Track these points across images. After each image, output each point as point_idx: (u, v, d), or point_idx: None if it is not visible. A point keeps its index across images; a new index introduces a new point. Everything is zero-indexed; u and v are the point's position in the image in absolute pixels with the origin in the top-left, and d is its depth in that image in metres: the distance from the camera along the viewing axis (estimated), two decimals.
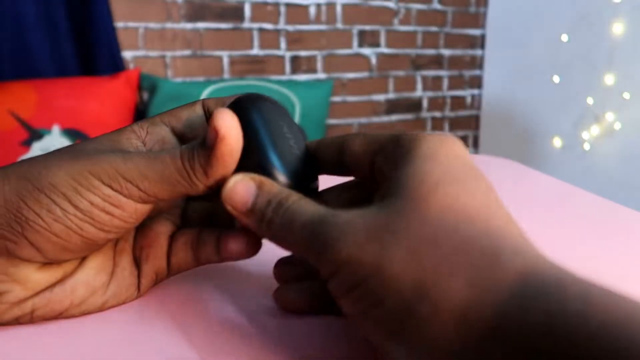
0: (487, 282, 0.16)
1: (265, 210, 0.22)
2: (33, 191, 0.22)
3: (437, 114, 2.17)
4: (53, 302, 0.24)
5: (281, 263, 0.27)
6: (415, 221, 0.18)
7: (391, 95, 2.04)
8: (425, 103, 2.13)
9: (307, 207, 0.21)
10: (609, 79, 1.75)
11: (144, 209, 0.23)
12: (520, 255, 0.17)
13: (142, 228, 0.26)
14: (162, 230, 0.26)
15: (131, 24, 1.59)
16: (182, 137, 0.27)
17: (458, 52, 2.15)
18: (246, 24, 1.73)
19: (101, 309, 0.25)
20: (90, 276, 0.24)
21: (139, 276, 0.26)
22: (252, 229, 0.23)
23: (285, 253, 0.34)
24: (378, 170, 0.23)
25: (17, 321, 0.24)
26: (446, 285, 0.17)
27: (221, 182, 0.23)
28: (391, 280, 0.17)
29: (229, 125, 0.22)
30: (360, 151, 0.24)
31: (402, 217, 0.18)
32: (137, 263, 0.26)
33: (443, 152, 0.21)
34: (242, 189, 0.23)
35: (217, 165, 0.22)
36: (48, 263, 0.23)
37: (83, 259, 0.25)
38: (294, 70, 1.83)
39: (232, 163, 0.23)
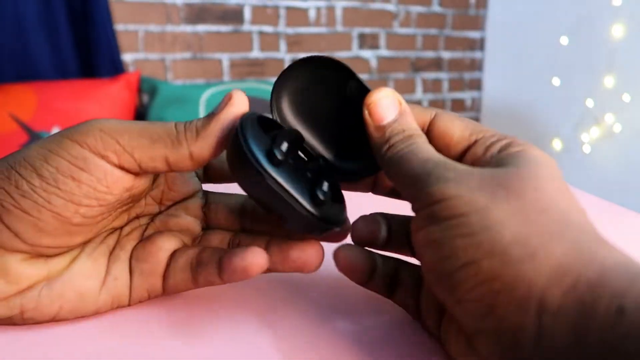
0: (590, 253, 0.18)
1: (396, 136, 0.22)
2: (5, 170, 0.21)
3: None
4: (42, 305, 0.23)
5: (363, 218, 0.26)
6: (529, 187, 0.19)
7: None
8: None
9: (431, 149, 0.22)
10: (609, 82, 1.75)
11: (115, 176, 0.22)
12: (616, 250, 0.18)
13: (145, 241, 0.25)
14: (165, 245, 0.25)
15: (131, 27, 1.59)
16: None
17: (458, 54, 2.15)
18: (246, 27, 1.74)
19: (93, 314, 0.25)
20: (78, 281, 0.23)
21: (130, 288, 0.25)
22: (372, 142, 0.23)
23: None
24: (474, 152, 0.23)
25: (10, 321, 0.23)
26: (550, 247, 0.18)
27: (206, 158, 0.22)
28: (494, 222, 0.18)
29: (241, 97, 0.22)
30: (458, 134, 0.24)
31: (519, 180, 0.19)
32: (131, 275, 0.25)
33: (551, 164, 0.21)
34: (387, 105, 0.23)
35: (215, 125, 0.22)
36: (33, 256, 0.23)
37: (72, 262, 0.24)
38: None
39: (229, 133, 0.22)
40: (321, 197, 0.22)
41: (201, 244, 0.27)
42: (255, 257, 0.22)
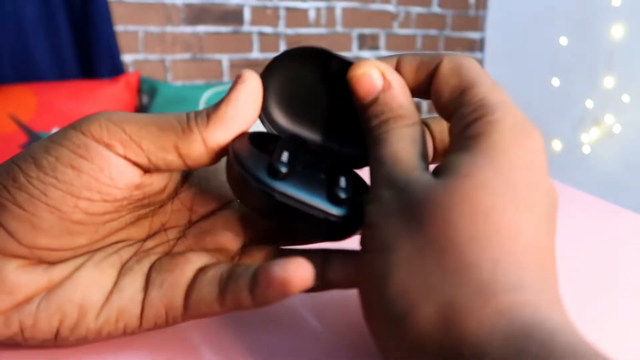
0: (458, 318, 0.15)
1: (374, 119, 0.21)
2: (6, 165, 0.20)
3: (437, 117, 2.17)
4: (40, 321, 0.20)
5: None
6: (440, 215, 0.17)
7: None
8: (424, 106, 2.13)
9: (401, 142, 0.20)
10: (609, 82, 1.75)
11: (120, 167, 0.20)
12: (521, 293, 0.15)
13: (173, 253, 0.23)
14: (194, 259, 0.22)
15: (131, 28, 1.59)
16: None
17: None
18: (246, 28, 1.74)
19: (97, 336, 0.21)
20: (78, 292, 0.21)
21: (142, 305, 0.21)
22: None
23: None
24: (452, 129, 0.20)
25: (13, 341, 0.21)
26: (421, 307, 0.16)
27: (220, 144, 0.20)
28: (388, 269, 0.17)
29: (252, 76, 0.21)
30: (446, 92, 0.21)
31: (434, 205, 0.17)
32: (147, 287, 0.21)
33: (515, 153, 0.18)
34: (369, 80, 0.21)
35: (227, 107, 0.20)
36: (32, 263, 0.20)
37: (75, 271, 0.21)
38: None
39: (243, 114, 0.20)
40: (342, 195, 0.20)
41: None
42: (299, 269, 0.18)
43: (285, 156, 0.20)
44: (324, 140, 0.24)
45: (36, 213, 0.19)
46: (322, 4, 1.84)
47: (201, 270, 0.21)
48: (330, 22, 1.87)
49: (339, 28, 1.89)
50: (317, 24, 1.84)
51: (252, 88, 0.21)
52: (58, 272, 0.21)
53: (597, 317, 0.26)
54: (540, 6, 1.96)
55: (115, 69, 1.53)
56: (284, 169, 0.20)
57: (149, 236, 0.23)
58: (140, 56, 1.62)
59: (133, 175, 0.20)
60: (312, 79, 0.23)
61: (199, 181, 0.24)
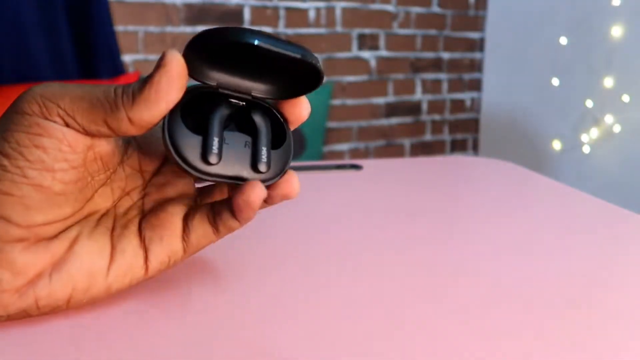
0: None
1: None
2: None
3: (437, 117, 2.17)
4: (54, 291, 0.23)
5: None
6: None
7: (391, 99, 2.04)
8: (424, 106, 2.13)
9: None
10: (608, 82, 1.75)
11: (72, 135, 0.22)
12: None
13: (155, 211, 0.26)
14: (176, 211, 0.26)
15: (131, 28, 1.59)
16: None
17: (457, 55, 2.15)
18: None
19: (107, 293, 0.25)
20: (85, 262, 0.24)
21: (146, 258, 0.25)
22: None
23: None
24: None
25: (25, 313, 0.24)
26: None
27: (146, 122, 0.22)
28: None
29: (174, 57, 0.22)
30: None
31: None
32: (145, 244, 0.25)
33: None
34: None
35: (150, 90, 0.22)
36: (33, 242, 0.23)
37: (73, 244, 0.24)
38: None
39: (165, 96, 0.22)
40: (263, 169, 0.25)
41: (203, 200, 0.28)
42: (254, 190, 0.24)
43: (215, 144, 0.24)
44: (247, 83, 0.26)
45: (24, 194, 0.22)
46: (322, 4, 1.84)
47: (187, 217, 0.26)
48: (330, 22, 1.87)
49: (339, 28, 1.89)
50: (317, 24, 1.84)
51: (174, 70, 0.22)
52: (57, 247, 0.24)
53: (596, 317, 0.26)
54: (540, 6, 1.96)
55: (115, 69, 1.53)
56: (215, 160, 0.23)
57: (115, 202, 0.27)
58: (140, 56, 1.62)
59: (85, 139, 0.23)
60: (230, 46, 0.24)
61: (139, 145, 0.27)
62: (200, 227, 0.26)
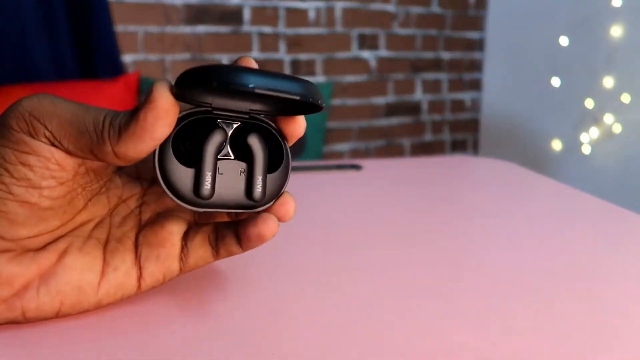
0: None
1: None
2: None
3: (437, 117, 2.17)
4: (42, 304, 0.23)
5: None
6: None
7: (391, 98, 2.04)
8: (424, 106, 2.13)
9: None
10: (608, 82, 1.75)
11: (61, 154, 0.21)
12: None
13: (153, 226, 0.25)
14: (175, 229, 0.25)
15: (131, 28, 1.59)
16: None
17: (457, 55, 2.15)
18: (245, 28, 1.74)
19: (97, 307, 0.25)
20: (74, 276, 0.23)
21: (140, 275, 0.25)
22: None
23: None
24: None
25: (11, 322, 0.23)
26: None
27: (132, 157, 0.21)
28: None
29: (163, 95, 0.21)
30: None
31: None
32: (140, 262, 0.25)
33: None
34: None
35: (135, 127, 0.20)
36: (19, 253, 0.23)
37: (62, 256, 0.24)
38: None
39: (151, 134, 0.21)
40: (258, 197, 0.24)
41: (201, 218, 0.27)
42: (267, 224, 0.24)
43: (208, 178, 0.23)
44: (246, 104, 0.25)
45: (9, 211, 0.21)
46: (321, 4, 1.84)
47: (186, 237, 0.25)
48: (330, 22, 1.87)
49: (339, 28, 1.89)
50: (316, 24, 1.84)
51: (160, 107, 0.21)
52: (45, 258, 0.23)
53: (596, 317, 0.26)
54: (540, 6, 1.96)
55: (115, 70, 1.53)
56: (207, 193, 0.23)
57: (112, 210, 0.26)
58: (140, 56, 1.62)
59: (75, 159, 0.22)
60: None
61: None
62: (201, 249, 0.25)
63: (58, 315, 0.24)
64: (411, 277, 0.31)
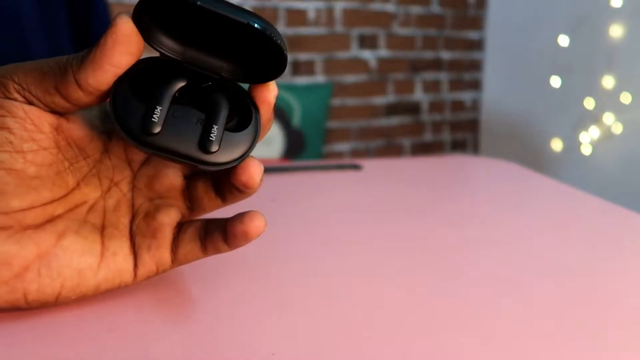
0: None
1: None
2: None
3: (437, 117, 2.17)
4: (43, 286, 0.23)
5: None
6: None
7: (391, 98, 2.04)
8: (424, 106, 2.13)
9: None
10: (608, 82, 1.75)
11: (35, 112, 0.22)
12: None
13: (145, 217, 0.26)
14: (167, 220, 0.26)
15: None
16: None
17: (457, 54, 2.15)
18: None
19: (96, 291, 0.25)
20: (73, 258, 0.24)
21: (135, 264, 0.25)
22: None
23: None
24: None
25: (14, 307, 0.23)
26: None
27: (92, 86, 0.21)
28: None
29: (123, 20, 0.21)
30: None
31: None
32: (135, 250, 0.25)
33: None
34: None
35: (95, 53, 0.21)
36: (17, 231, 0.23)
37: (60, 238, 0.24)
38: (294, 74, 1.83)
39: (110, 58, 0.21)
40: (213, 148, 0.23)
41: (192, 203, 0.27)
42: (253, 221, 0.24)
43: (158, 112, 0.22)
44: (217, 63, 0.24)
45: None
46: (321, 4, 1.84)
47: (179, 229, 0.26)
48: (330, 22, 1.86)
49: (339, 28, 1.89)
50: (316, 23, 1.84)
51: (119, 32, 0.21)
52: (43, 238, 0.23)
53: (596, 317, 0.26)
54: (540, 6, 1.96)
55: None
56: (156, 129, 0.22)
57: (104, 193, 0.26)
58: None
59: (48, 117, 0.22)
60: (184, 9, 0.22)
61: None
62: (190, 244, 0.25)
63: (58, 300, 0.24)
64: (411, 277, 0.31)
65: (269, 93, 0.25)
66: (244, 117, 0.25)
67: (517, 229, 0.39)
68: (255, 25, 0.21)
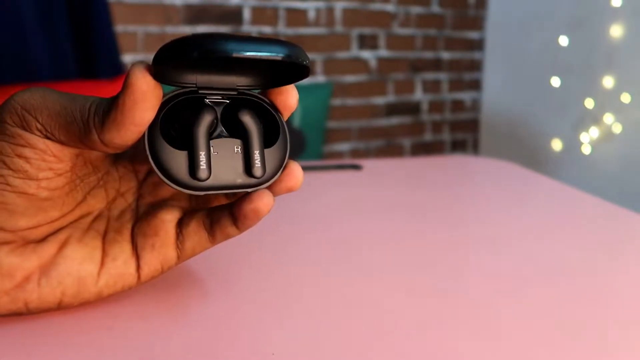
0: None
1: None
2: None
3: (437, 117, 2.17)
4: (44, 295, 0.23)
5: None
6: None
7: (391, 98, 2.04)
8: (424, 106, 2.13)
9: None
10: (608, 82, 1.75)
11: (56, 146, 0.22)
12: None
13: (147, 216, 0.25)
14: (168, 217, 0.25)
15: (131, 28, 1.59)
16: None
17: (457, 54, 2.15)
18: (245, 28, 1.73)
19: (98, 297, 0.25)
20: (74, 267, 0.24)
21: (138, 265, 0.25)
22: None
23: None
24: None
25: (15, 313, 0.24)
26: None
27: (119, 144, 0.21)
28: None
29: (140, 78, 0.20)
30: None
31: None
32: (137, 252, 0.25)
33: None
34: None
35: (115, 115, 0.20)
36: (20, 245, 0.23)
37: (61, 248, 0.24)
38: None
39: (132, 119, 0.20)
40: (258, 173, 0.23)
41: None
42: (262, 198, 0.23)
43: (202, 158, 0.22)
44: (232, 79, 0.24)
45: (8, 202, 0.22)
46: (321, 4, 1.84)
47: (182, 224, 0.25)
48: (330, 22, 1.87)
49: (339, 28, 1.89)
50: (316, 24, 1.84)
51: (138, 91, 0.20)
52: (46, 250, 0.23)
53: (596, 317, 0.26)
54: (540, 6, 1.96)
55: (115, 69, 1.53)
56: (206, 174, 0.22)
57: (110, 203, 0.26)
58: (140, 56, 1.62)
59: (71, 149, 0.22)
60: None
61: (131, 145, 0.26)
62: (196, 235, 0.25)
63: (60, 306, 0.24)
64: (411, 277, 0.31)
65: (291, 98, 0.25)
66: (271, 127, 0.25)
67: (517, 229, 0.39)
68: (289, 60, 0.21)
